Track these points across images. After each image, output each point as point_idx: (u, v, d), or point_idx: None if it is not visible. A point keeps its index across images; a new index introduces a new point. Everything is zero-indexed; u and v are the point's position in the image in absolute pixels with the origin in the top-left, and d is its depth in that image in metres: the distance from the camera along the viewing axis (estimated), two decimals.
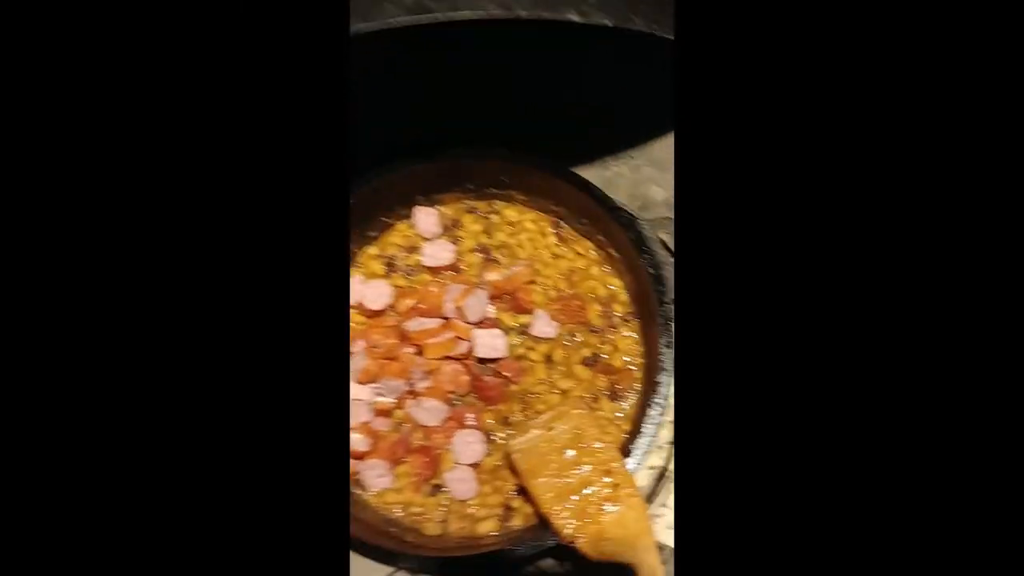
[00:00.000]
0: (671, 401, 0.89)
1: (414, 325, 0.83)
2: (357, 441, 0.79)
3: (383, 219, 0.91)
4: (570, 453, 0.66)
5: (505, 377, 0.82)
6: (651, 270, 0.77)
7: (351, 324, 0.86)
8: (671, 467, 0.85)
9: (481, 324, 0.84)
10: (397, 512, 0.80)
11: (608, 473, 0.65)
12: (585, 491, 0.64)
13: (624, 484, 0.65)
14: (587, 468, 0.65)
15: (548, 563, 0.73)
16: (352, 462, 0.81)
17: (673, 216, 1.02)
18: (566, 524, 0.63)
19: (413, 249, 0.91)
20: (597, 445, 0.67)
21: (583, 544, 0.62)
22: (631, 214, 0.80)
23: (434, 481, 0.80)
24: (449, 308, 0.83)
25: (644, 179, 1.10)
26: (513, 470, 0.72)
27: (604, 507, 0.64)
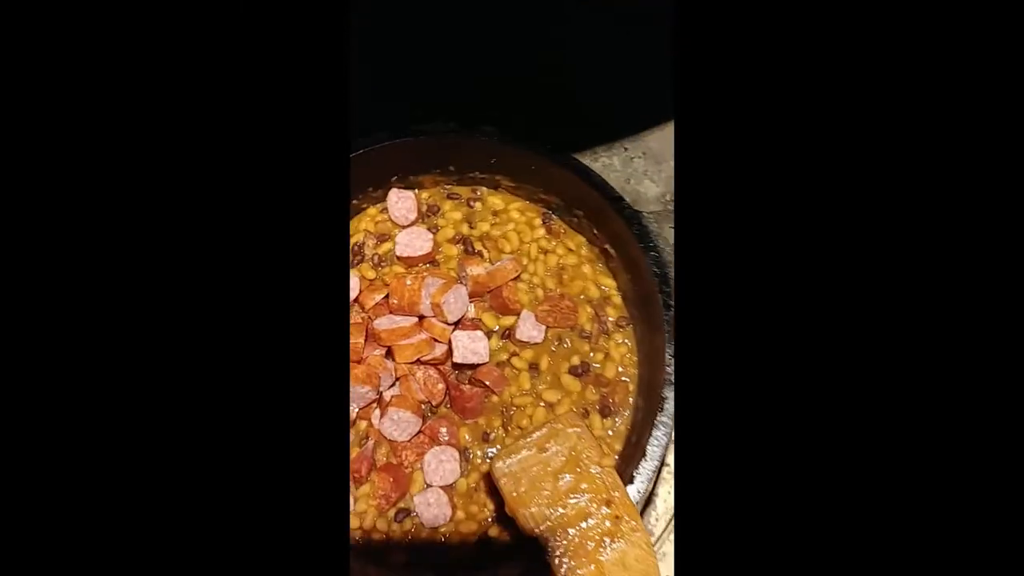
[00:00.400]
0: None
1: (384, 323, 0.72)
2: None
3: (352, 201, 0.80)
4: (566, 479, 0.57)
5: (485, 386, 0.72)
6: (656, 270, 0.69)
7: None
8: (658, 490, 0.77)
9: (460, 325, 0.74)
10: (356, 539, 0.69)
11: (608, 503, 0.56)
12: (583, 524, 0.55)
13: (627, 516, 0.56)
14: (585, 497, 0.56)
15: None
16: None
17: (670, 211, 0.94)
18: (561, 564, 0.54)
19: (384, 237, 0.80)
20: (595, 470, 0.58)
21: None
22: (635, 208, 0.71)
23: (400, 505, 0.70)
24: (426, 305, 0.72)
25: (637, 172, 1.02)
26: (494, 495, 0.63)
27: (604, 544, 0.54)
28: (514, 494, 0.57)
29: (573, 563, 0.54)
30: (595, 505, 0.56)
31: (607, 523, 0.55)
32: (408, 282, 0.72)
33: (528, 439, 0.59)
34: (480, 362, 0.72)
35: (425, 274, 0.74)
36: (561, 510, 0.56)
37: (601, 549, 0.54)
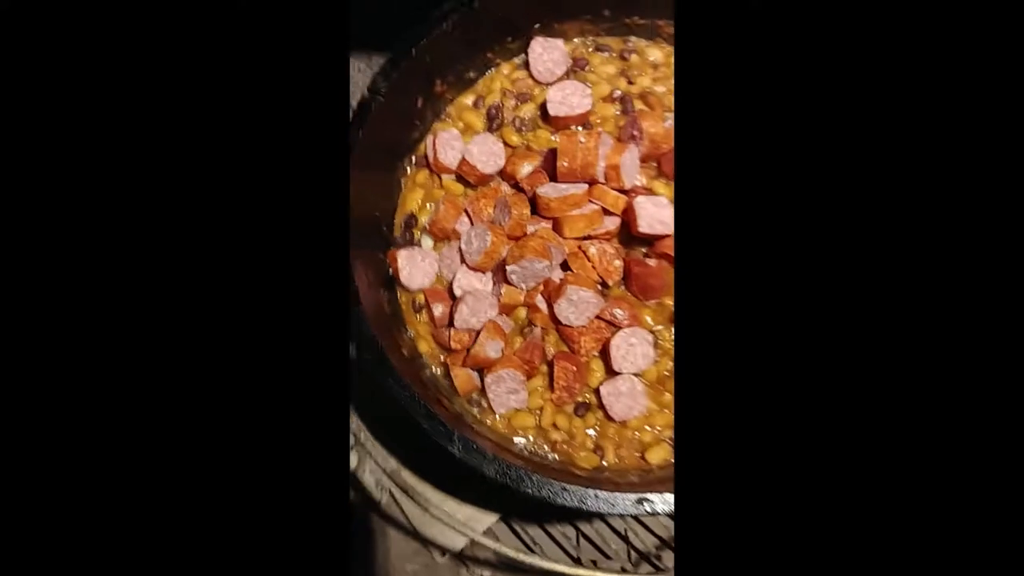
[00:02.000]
0: None
1: (550, 191, 0.61)
2: (488, 346, 0.58)
3: (484, 55, 0.68)
4: None
5: (671, 259, 0.62)
6: None
7: (457, 191, 0.64)
8: None
9: (633, 192, 0.63)
10: (528, 440, 0.60)
11: None
12: None
13: None
14: None
15: None
16: (471, 375, 0.60)
17: None
18: None
19: (524, 97, 0.68)
20: None
21: None
22: None
23: (578, 398, 0.61)
24: (600, 168, 0.61)
25: None
26: None
27: None
28: None
29: None
30: None
31: None
32: (582, 140, 0.60)
33: None
34: (666, 232, 0.61)
35: (599, 130, 0.62)
36: None
37: None
